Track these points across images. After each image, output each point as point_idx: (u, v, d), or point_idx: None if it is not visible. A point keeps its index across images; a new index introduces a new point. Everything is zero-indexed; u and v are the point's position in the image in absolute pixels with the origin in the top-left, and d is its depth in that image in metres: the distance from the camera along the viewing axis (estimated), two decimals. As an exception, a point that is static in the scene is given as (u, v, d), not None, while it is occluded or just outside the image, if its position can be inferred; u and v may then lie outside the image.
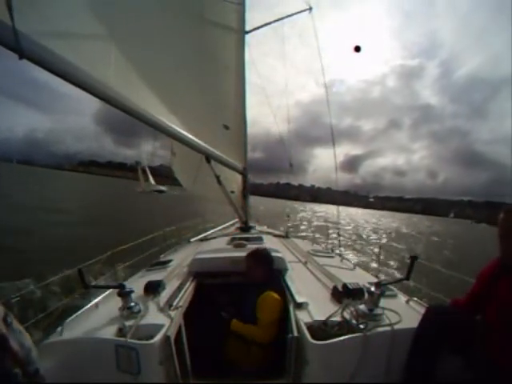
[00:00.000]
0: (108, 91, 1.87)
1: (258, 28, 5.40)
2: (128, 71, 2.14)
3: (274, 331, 1.86)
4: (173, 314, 1.70)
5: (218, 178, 4.05)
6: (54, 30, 1.52)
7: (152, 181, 55.77)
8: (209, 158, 3.70)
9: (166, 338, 1.48)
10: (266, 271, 2.10)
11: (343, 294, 1.85)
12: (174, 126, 2.69)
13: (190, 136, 3.01)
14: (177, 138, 2.87)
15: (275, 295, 1.91)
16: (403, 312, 1.65)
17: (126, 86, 2.05)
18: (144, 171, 54.18)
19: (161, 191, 50.92)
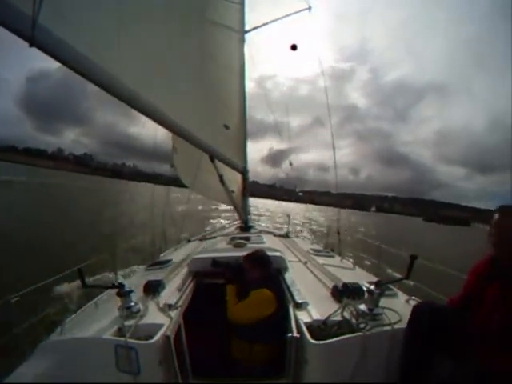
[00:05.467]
0: (117, 85, 1.88)
1: (257, 27, 5.40)
2: (134, 69, 2.14)
3: (246, 317, 1.89)
4: (172, 313, 1.70)
5: (221, 177, 4.05)
6: (66, 22, 1.52)
7: None
8: (212, 157, 3.70)
9: (166, 337, 1.48)
10: (263, 273, 2.09)
11: (343, 294, 1.85)
12: (181, 124, 2.69)
13: (196, 135, 3.01)
14: (184, 137, 2.86)
15: (268, 292, 1.92)
16: (403, 312, 1.64)
17: (135, 83, 2.06)
18: None
19: None
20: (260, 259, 2.14)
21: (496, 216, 1.30)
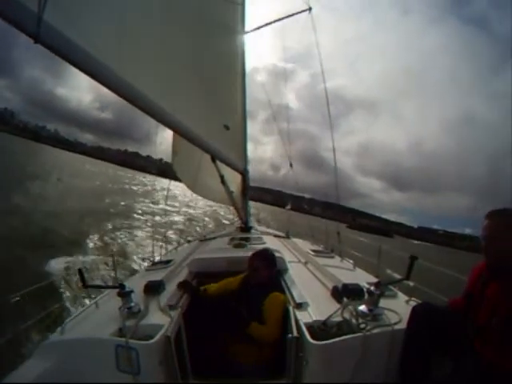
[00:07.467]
0: (119, 83, 1.89)
1: (258, 28, 5.41)
2: (135, 69, 2.15)
3: (281, 330, 1.82)
4: (173, 314, 1.70)
5: (222, 177, 4.04)
6: (70, 19, 1.52)
7: None
8: (214, 157, 3.70)
9: (166, 338, 1.48)
10: (272, 272, 2.09)
11: (343, 294, 1.84)
12: (183, 123, 2.69)
13: (198, 135, 3.02)
14: (186, 137, 2.86)
15: (282, 296, 1.92)
16: (403, 312, 1.64)
17: (137, 83, 2.07)
18: None
19: None
20: (271, 257, 2.15)
21: (486, 221, 1.32)
